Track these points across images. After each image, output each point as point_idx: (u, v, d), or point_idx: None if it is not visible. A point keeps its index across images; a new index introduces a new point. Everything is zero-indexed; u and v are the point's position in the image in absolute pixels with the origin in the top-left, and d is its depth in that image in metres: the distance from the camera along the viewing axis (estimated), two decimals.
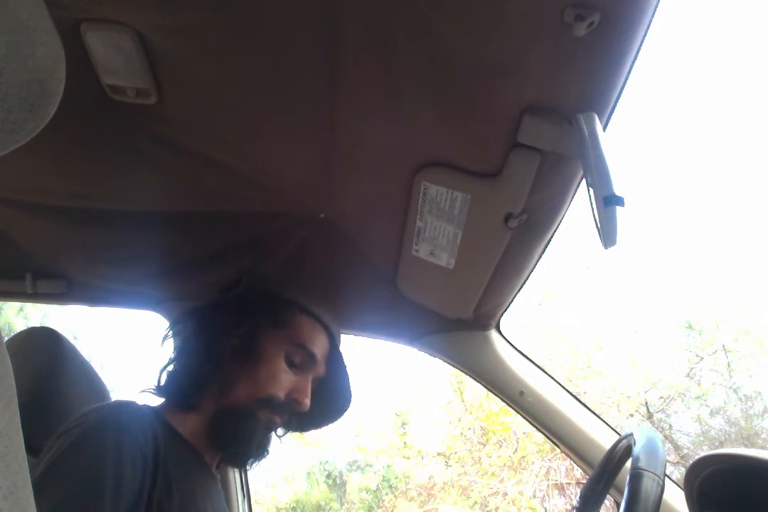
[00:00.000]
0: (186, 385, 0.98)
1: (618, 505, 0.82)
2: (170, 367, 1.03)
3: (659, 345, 5.67)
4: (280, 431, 1.08)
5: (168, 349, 1.08)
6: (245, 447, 0.96)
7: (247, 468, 1.03)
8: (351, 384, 1.13)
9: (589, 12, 0.54)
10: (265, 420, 0.97)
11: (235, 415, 0.95)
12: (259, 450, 0.98)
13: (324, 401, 1.10)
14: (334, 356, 1.10)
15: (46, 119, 0.40)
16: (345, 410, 1.15)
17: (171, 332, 1.08)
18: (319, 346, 1.05)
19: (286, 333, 1.03)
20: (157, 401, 1.01)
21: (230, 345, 1.00)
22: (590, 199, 0.64)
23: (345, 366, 1.12)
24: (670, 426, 5.47)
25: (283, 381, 0.99)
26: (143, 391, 1.00)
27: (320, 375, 1.06)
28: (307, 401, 1.00)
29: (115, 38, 0.68)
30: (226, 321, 1.02)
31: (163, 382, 1.01)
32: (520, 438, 5.61)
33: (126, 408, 0.87)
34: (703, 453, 0.84)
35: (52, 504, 0.70)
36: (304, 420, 1.10)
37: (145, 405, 0.94)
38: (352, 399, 1.14)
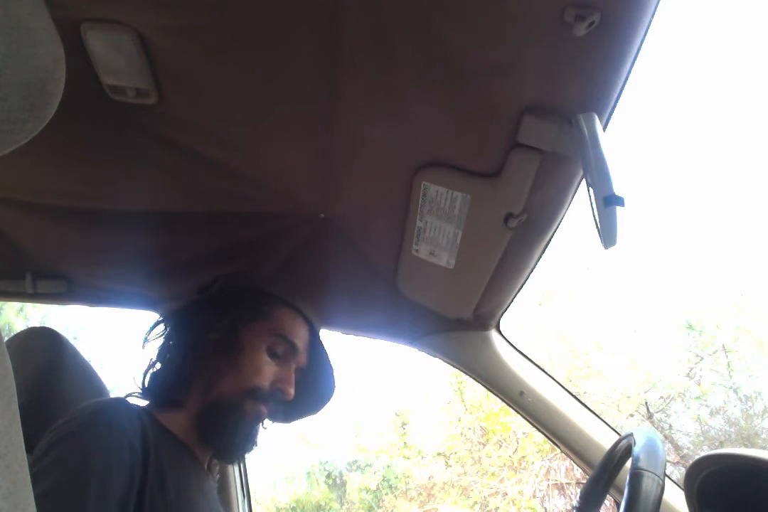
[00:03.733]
0: (170, 383, 0.99)
1: (618, 505, 0.82)
2: (153, 368, 1.03)
3: (659, 345, 5.66)
4: (266, 422, 1.09)
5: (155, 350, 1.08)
6: (233, 440, 0.97)
7: (238, 461, 1.03)
8: (334, 373, 1.15)
9: (589, 12, 0.55)
10: (251, 412, 0.97)
11: (222, 409, 0.96)
12: (248, 442, 0.99)
13: (308, 390, 1.11)
14: (315, 346, 1.12)
15: (46, 119, 0.40)
16: (329, 398, 1.17)
17: (153, 333, 1.08)
18: (299, 336, 1.07)
19: (266, 324, 1.04)
20: (145, 403, 1.01)
21: (212, 339, 1.00)
22: (590, 199, 0.64)
23: (327, 356, 1.14)
24: (670, 426, 5.46)
25: (267, 371, 1.00)
26: (129, 395, 1.00)
27: (302, 365, 1.08)
28: (292, 390, 1.01)
29: (115, 38, 0.68)
30: (207, 317, 1.03)
31: (147, 384, 1.01)
32: (520, 438, 5.60)
33: (116, 404, 0.88)
34: (703, 453, 0.84)
35: (38, 493, 0.69)
36: (289, 410, 1.11)
37: (135, 404, 0.94)
38: (336, 387, 1.16)
